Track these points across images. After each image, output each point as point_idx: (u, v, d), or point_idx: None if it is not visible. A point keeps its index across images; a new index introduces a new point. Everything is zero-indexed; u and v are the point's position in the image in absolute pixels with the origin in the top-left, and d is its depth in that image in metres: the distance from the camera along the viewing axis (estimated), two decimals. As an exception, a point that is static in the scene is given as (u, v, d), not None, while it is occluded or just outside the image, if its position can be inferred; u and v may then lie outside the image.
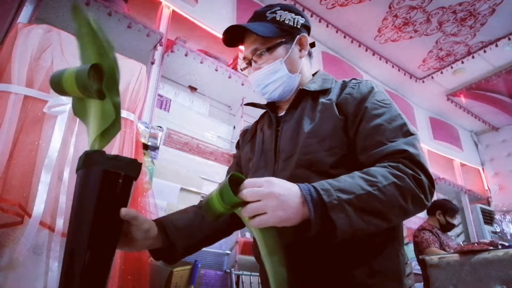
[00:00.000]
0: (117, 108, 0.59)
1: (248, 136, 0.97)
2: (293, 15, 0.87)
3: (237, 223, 0.87)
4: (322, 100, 0.81)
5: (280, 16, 0.85)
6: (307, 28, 0.91)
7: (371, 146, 0.70)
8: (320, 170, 0.72)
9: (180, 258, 0.77)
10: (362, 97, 0.76)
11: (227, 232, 0.88)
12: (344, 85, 0.82)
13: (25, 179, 1.06)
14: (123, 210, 0.57)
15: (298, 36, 0.88)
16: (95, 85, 0.58)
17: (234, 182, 0.57)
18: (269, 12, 0.86)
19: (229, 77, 2.24)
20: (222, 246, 1.91)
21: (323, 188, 0.58)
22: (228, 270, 1.80)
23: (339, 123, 0.75)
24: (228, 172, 1.02)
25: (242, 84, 2.29)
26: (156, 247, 0.71)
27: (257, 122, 0.99)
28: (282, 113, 0.89)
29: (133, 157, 1.32)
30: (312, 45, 0.93)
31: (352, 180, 0.61)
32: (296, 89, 0.88)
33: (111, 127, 0.59)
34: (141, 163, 0.62)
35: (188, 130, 2.20)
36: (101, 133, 0.59)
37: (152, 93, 1.92)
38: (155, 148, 1.69)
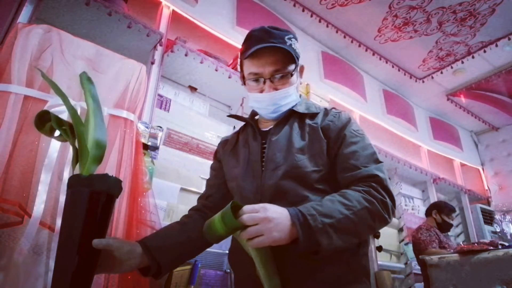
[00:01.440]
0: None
1: (228, 147, 1.04)
2: (297, 44, 0.94)
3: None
4: (308, 122, 0.92)
5: (294, 44, 0.92)
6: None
7: (348, 169, 0.83)
8: (306, 184, 0.83)
9: (166, 273, 0.88)
10: (342, 125, 0.89)
11: (209, 245, 0.94)
12: (326, 113, 0.94)
13: (25, 179, 1.06)
14: (94, 242, 0.64)
15: (300, 65, 0.97)
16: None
17: (234, 208, 0.66)
18: (287, 37, 0.90)
19: (229, 77, 2.23)
20: (222, 246, 1.91)
21: (309, 213, 0.69)
22: (228, 270, 1.80)
23: (323, 145, 0.87)
24: (207, 184, 1.07)
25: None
26: (144, 265, 0.79)
27: (237, 133, 1.05)
28: (266, 128, 0.97)
29: (133, 157, 1.32)
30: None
31: (332, 205, 0.72)
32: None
33: None
34: (120, 181, 0.70)
35: (188, 130, 2.19)
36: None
37: (152, 93, 1.92)
38: (155, 148, 1.69)
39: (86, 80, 0.72)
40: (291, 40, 0.91)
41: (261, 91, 0.91)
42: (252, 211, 0.66)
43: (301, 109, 0.95)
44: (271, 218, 0.66)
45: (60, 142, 0.73)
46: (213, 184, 1.05)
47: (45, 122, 0.71)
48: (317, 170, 0.84)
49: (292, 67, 0.90)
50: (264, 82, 0.90)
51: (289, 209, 0.70)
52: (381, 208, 0.76)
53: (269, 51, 0.87)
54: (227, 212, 0.65)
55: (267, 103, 0.92)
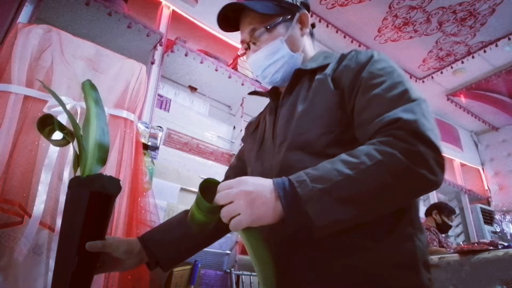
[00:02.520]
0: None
1: (251, 128, 0.94)
2: None
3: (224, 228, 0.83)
4: (317, 76, 0.74)
5: None
6: (306, 6, 0.86)
7: (366, 121, 0.61)
8: (315, 151, 0.66)
9: (173, 266, 0.80)
10: (359, 67, 0.67)
11: (213, 239, 0.87)
12: (342, 57, 0.74)
13: (25, 179, 1.06)
14: (88, 245, 0.62)
15: (298, 14, 0.82)
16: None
17: (211, 188, 0.57)
18: None
19: (229, 77, 2.23)
20: (222, 246, 1.91)
21: (299, 179, 0.54)
22: (228, 270, 1.80)
23: (334, 98, 0.68)
24: (228, 169, 1.00)
25: (242, 84, 2.29)
26: (146, 261, 0.76)
27: (261, 113, 0.96)
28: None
29: (133, 157, 1.32)
30: (313, 26, 0.89)
31: (331, 166, 0.54)
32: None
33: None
34: (119, 180, 0.70)
35: (188, 130, 2.20)
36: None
37: (152, 93, 1.92)
38: (155, 148, 1.69)
39: (89, 88, 0.73)
40: None
41: None
42: (227, 188, 0.55)
43: (310, 65, 0.79)
44: (247, 191, 0.53)
45: (57, 146, 0.74)
46: (233, 166, 0.97)
47: (47, 125, 0.72)
48: (325, 132, 0.66)
49: (275, 19, 0.79)
50: (250, 47, 0.82)
51: (275, 179, 0.56)
52: (409, 160, 0.51)
53: (245, 13, 0.81)
54: (198, 194, 0.56)
55: (255, 68, 0.82)
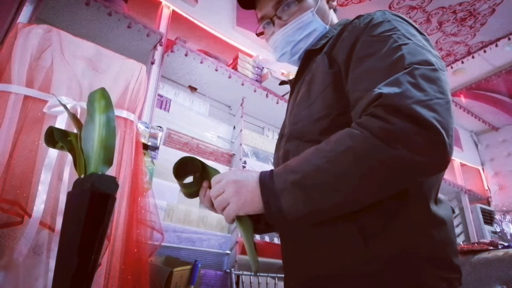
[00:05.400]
0: None
1: None
2: None
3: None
4: (318, 56, 0.68)
5: None
6: None
7: (356, 100, 0.55)
8: (310, 139, 0.61)
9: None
10: (355, 37, 0.60)
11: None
12: (343, 28, 0.66)
13: (25, 179, 1.06)
14: None
15: None
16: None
17: (187, 163, 0.68)
18: None
19: (229, 77, 2.23)
20: (222, 246, 1.91)
21: (278, 171, 0.54)
22: (228, 270, 1.80)
23: (329, 78, 0.61)
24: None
25: (242, 84, 2.29)
26: None
27: None
28: None
29: (133, 157, 1.32)
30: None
31: (305, 156, 0.52)
32: None
33: None
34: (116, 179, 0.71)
35: (188, 130, 2.20)
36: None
37: (152, 93, 1.92)
38: (155, 148, 1.69)
39: (101, 96, 0.76)
40: None
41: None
42: (218, 180, 0.59)
43: (321, 42, 0.71)
44: (233, 181, 0.56)
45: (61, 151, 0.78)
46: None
47: (54, 138, 0.74)
48: (321, 117, 0.60)
49: None
50: (274, 24, 0.74)
51: (262, 171, 0.57)
52: (383, 140, 0.45)
53: None
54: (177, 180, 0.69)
55: (282, 44, 0.74)
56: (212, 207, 0.65)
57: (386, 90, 0.47)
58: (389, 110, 0.46)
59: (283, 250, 0.71)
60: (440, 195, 0.60)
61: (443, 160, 0.46)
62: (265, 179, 0.54)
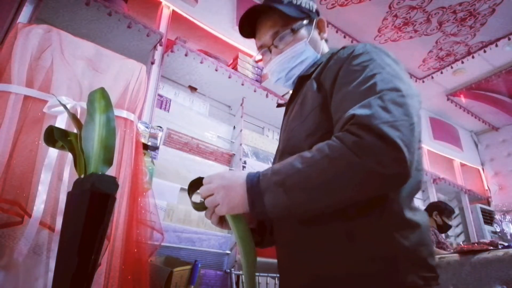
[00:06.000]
0: None
1: None
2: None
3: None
4: (308, 81, 0.77)
5: (296, 0, 0.82)
6: (318, 14, 0.90)
7: (336, 120, 0.63)
8: None
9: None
10: (339, 66, 0.68)
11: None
12: (330, 57, 0.75)
13: (25, 179, 1.06)
14: None
15: (316, 19, 0.86)
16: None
17: (198, 182, 0.69)
18: None
19: (229, 77, 2.23)
20: (222, 246, 1.91)
21: (265, 172, 0.61)
22: (228, 270, 1.80)
23: (318, 100, 0.70)
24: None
25: (242, 84, 2.29)
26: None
27: None
28: None
29: (133, 157, 1.32)
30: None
31: (289, 161, 0.60)
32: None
33: None
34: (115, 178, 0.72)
35: (188, 130, 2.20)
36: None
37: (152, 93, 1.92)
38: (155, 148, 1.69)
39: (101, 96, 0.75)
40: None
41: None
42: (208, 182, 0.64)
43: (311, 69, 0.80)
44: (223, 185, 0.62)
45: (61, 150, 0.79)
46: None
47: (53, 138, 0.75)
48: (310, 135, 0.68)
49: (297, 23, 0.81)
50: (271, 51, 0.83)
51: (250, 173, 0.62)
52: (355, 153, 0.53)
53: (265, 17, 0.82)
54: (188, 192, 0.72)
55: (278, 70, 0.83)
56: (218, 224, 0.70)
57: (359, 111, 0.57)
58: (361, 128, 0.55)
59: (278, 253, 0.78)
60: (416, 206, 0.68)
61: (403, 173, 0.53)
62: (252, 181, 0.61)
